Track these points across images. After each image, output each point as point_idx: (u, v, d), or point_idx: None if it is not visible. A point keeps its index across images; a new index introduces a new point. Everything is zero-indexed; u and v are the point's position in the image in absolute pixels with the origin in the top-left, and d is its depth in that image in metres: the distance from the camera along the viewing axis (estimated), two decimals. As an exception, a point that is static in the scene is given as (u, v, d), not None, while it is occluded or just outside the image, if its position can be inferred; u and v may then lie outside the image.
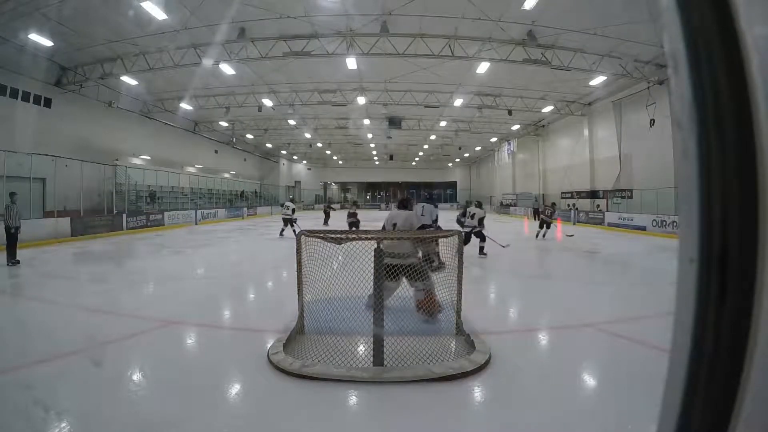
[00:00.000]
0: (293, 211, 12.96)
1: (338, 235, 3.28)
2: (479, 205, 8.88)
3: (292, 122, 23.40)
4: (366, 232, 3.52)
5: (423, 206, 6.81)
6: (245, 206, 26.96)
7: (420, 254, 3.82)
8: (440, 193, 45.69)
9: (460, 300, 3.51)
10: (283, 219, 12.90)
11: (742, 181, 0.43)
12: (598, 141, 19.88)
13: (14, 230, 7.50)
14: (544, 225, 12.22)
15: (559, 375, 2.87)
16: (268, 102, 18.50)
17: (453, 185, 45.74)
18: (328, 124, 24.10)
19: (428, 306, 3.72)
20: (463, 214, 8.62)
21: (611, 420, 2.29)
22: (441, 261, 3.80)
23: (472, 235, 8.24)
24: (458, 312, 3.47)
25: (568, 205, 21.26)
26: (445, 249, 3.68)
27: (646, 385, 2.34)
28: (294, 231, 12.54)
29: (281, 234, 12.64)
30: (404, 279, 3.70)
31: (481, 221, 8.32)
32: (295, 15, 10.85)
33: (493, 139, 29.60)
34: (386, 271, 3.42)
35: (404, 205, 4.49)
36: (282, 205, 13.57)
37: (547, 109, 19.57)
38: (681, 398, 0.47)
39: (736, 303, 0.44)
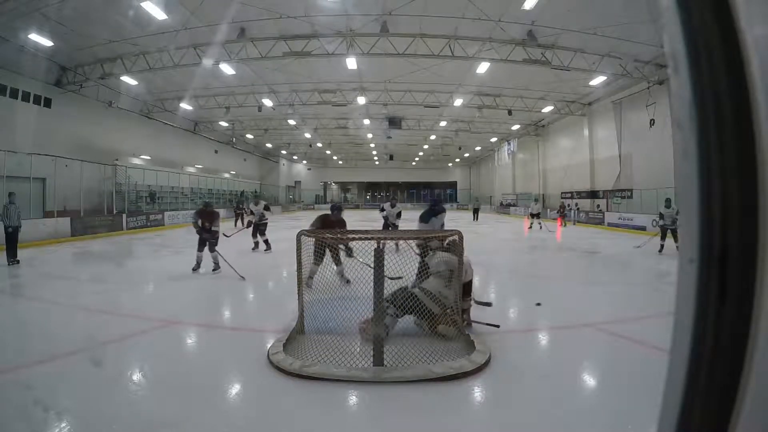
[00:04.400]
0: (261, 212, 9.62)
1: (338, 235, 3.28)
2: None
3: (292, 122, 23.40)
4: (366, 232, 3.51)
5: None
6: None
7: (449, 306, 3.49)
8: (440, 193, 45.75)
9: (460, 300, 3.51)
10: (264, 225, 9.57)
11: (742, 181, 0.43)
12: (598, 141, 19.88)
13: (12, 230, 7.50)
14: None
15: (559, 375, 2.87)
16: (268, 102, 18.50)
17: (453, 185, 45.76)
18: (328, 124, 24.10)
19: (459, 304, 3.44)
20: (661, 216, 9.11)
21: (611, 420, 2.29)
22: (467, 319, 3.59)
23: (669, 231, 8.77)
24: (458, 312, 3.47)
25: (567, 205, 21.28)
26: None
27: (646, 385, 2.34)
28: (257, 243, 9.41)
29: (257, 246, 9.47)
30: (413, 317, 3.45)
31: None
32: (295, 15, 10.85)
33: (493, 139, 29.60)
34: (409, 305, 3.26)
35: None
36: (251, 212, 9.71)
37: (547, 109, 19.57)
38: (681, 398, 0.47)
39: (736, 303, 0.44)
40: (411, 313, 3.35)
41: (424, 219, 5.44)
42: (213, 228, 6.71)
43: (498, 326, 3.46)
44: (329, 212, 6.06)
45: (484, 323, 3.49)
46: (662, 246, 8.82)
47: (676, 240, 8.43)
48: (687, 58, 0.46)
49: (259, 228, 9.51)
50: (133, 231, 14.76)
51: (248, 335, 3.81)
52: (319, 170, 44.59)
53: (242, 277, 6.12)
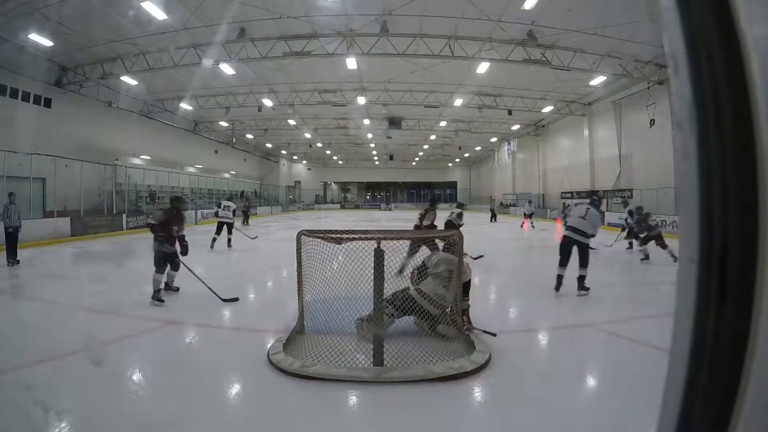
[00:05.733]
0: (234, 212, 10.26)
1: (338, 235, 3.28)
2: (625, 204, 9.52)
3: (292, 122, 23.41)
4: (366, 232, 3.51)
5: (588, 209, 5.19)
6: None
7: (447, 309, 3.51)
8: (441, 193, 45.78)
9: (460, 300, 3.51)
10: (220, 223, 9.88)
11: (742, 181, 0.43)
12: (598, 141, 19.88)
13: (12, 230, 7.51)
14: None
15: (559, 375, 2.87)
16: (268, 102, 18.51)
17: (453, 185, 45.77)
18: (328, 124, 24.10)
19: (458, 297, 3.45)
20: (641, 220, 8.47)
21: (611, 420, 2.29)
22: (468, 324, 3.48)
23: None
24: (458, 312, 3.47)
25: (567, 205, 21.30)
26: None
27: (646, 385, 2.34)
28: (230, 240, 9.86)
29: (213, 245, 9.57)
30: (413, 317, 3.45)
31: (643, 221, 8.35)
32: (295, 15, 10.85)
33: (493, 139, 29.60)
34: (408, 306, 3.29)
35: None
36: (219, 206, 10.18)
37: (547, 109, 19.58)
38: (681, 398, 0.47)
39: (736, 303, 0.44)
40: (409, 313, 3.35)
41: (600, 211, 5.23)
42: (181, 233, 4.99)
43: (495, 335, 3.38)
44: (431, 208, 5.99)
45: (481, 330, 3.46)
46: (643, 246, 8.44)
47: (634, 237, 8.80)
48: (687, 58, 0.46)
49: (224, 225, 9.88)
50: (133, 231, 14.75)
51: (248, 335, 3.81)
52: (319, 170, 44.59)
53: (233, 299, 4.82)
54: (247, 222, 17.48)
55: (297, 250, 3.32)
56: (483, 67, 13.45)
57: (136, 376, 2.84)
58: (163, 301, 4.68)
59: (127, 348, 3.37)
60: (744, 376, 0.42)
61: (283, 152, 36.18)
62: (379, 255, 2.93)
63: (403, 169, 43.51)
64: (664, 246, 7.75)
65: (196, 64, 12.75)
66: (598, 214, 5.11)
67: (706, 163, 0.45)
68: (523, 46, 12.02)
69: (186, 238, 5.03)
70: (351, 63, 13.17)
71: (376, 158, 40.87)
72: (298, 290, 3.39)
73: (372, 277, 2.94)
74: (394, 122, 22.21)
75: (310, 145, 32.02)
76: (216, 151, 27.81)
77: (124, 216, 14.89)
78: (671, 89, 0.49)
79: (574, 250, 4.99)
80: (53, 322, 4.07)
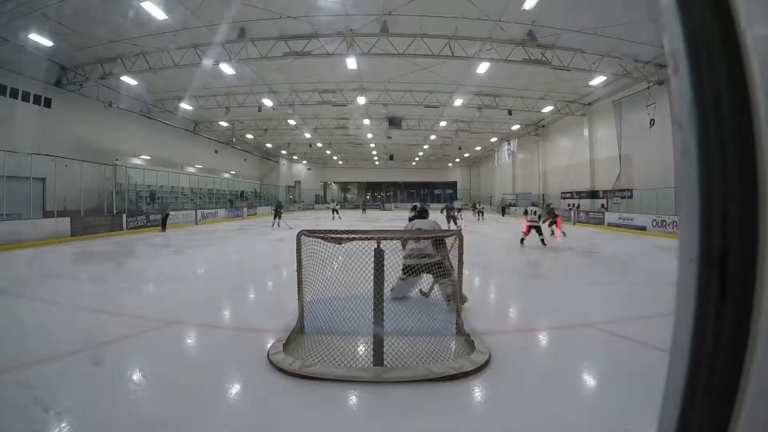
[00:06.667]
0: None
1: (338, 235, 3.28)
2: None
3: (292, 122, 23.41)
4: (366, 232, 3.51)
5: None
6: (245, 206, 26.96)
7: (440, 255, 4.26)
8: (441, 193, 45.80)
9: (460, 299, 3.51)
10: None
11: (742, 181, 0.43)
12: (598, 141, 19.88)
13: None
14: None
15: (559, 375, 2.87)
16: (268, 102, 18.51)
17: (453, 185, 45.77)
18: (328, 124, 24.10)
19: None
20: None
21: (611, 420, 2.29)
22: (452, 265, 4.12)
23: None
24: (458, 312, 3.47)
25: (569, 205, 21.28)
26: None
27: (646, 385, 2.34)
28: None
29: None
30: (430, 277, 4.26)
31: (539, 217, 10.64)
32: (295, 15, 10.85)
33: (493, 139, 29.61)
34: (412, 270, 4.12)
35: (423, 214, 5.35)
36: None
37: (547, 109, 19.57)
38: (681, 398, 0.47)
39: (736, 303, 0.44)
40: (417, 272, 4.03)
41: None
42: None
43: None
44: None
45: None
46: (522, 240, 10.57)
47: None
48: (687, 58, 0.46)
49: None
50: (133, 231, 14.76)
51: (248, 335, 3.81)
52: (319, 170, 44.58)
53: None
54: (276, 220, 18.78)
55: (297, 250, 3.32)
56: (483, 67, 13.45)
57: (136, 376, 2.84)
58: None
59: (127, 348, 3.37)
60: (744, 376, 0.42)
61: (283, 152, 36.18)
62: (379, 255, 2.93)
63: (403, 169, 43.52)
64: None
65: (196, 64, 12.75)
66: None
67: (706, 163, 0.45)
68: (523, 46, 12.02)
69: None
70: (351, 63, 13.16)
71: (376, 158, 40.87)
72: (298, 290, 3.39)
73: (372, 277, 2.94)
74: (394, 122, 22.21)
75: (310, 145, 32.02)
76: (216, 151, 27.83)
77: (124, 216, 14.88)
78: (671, 89, 0.49)
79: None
80: (53, 322, 4.07)
